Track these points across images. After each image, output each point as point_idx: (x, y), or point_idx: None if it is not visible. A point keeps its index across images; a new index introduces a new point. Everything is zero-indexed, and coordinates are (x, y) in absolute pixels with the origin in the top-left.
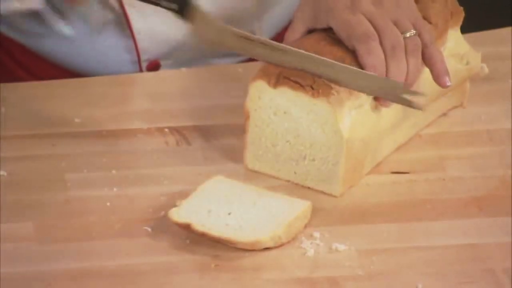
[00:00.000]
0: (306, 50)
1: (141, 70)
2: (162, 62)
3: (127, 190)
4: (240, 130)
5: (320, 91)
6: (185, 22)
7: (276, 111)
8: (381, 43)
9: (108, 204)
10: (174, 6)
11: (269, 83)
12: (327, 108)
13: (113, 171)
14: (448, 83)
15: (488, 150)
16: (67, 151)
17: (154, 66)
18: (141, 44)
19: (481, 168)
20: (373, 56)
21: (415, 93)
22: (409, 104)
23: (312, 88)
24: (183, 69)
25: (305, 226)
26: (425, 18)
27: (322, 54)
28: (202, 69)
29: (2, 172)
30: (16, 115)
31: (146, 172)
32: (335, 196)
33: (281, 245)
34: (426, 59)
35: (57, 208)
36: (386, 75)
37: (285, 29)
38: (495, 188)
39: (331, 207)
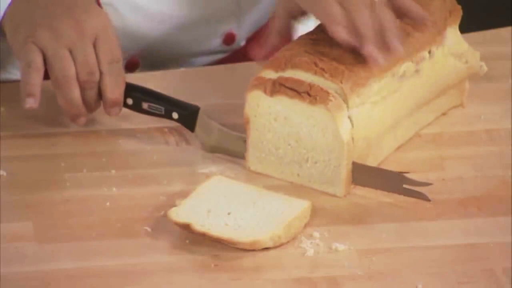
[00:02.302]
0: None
1: None
2: (141, 61)
3: (127, 190)
4: (240, 130)
5: (318, 97)
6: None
7: (276, 117)
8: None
9: (107, 204)
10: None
11: (265, 91)
12: (326, 114)
13: (113, 171)
14: (427, 17)
15: (488, 150)
16: (67, 151)
17: (132, 65)
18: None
19: (481, 168)
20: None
21: (421, 183)
22: (417, 195)
23: (309, 95)
24: (183, 69)
25: (305, 226)
26: None
27: (324, 53)
28: (202, 69)
29: (2, 172)
30: (16, 115)
31: (146, 172)
32: (337, 197)
33: (281, 245)
34: (398, 10)
35: (57, 208)
36: (354, 27)
37: (263, 28)
38: (495, 188)
39: (331, 207)
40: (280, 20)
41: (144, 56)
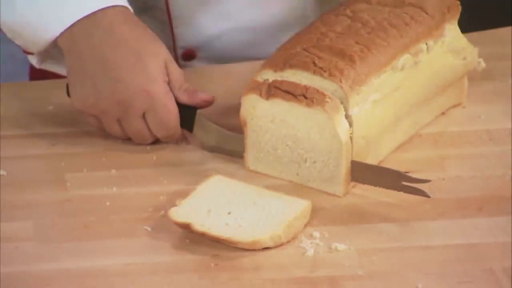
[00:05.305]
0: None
1: (176, 58)
2: (198, 53)
3: (127, 190)
4: (240, 130)
5: (314, 99)
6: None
7: (273, 120)
8: None
9: (107, 203)
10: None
11: (260, 95)
12: (324, 116)
13: (113, 171)
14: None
15: (488, 150)
16: (67, 151)
17: (189, 55)
18: (177, 30)
19: (481, 168)
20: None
21: (419, 180)
22: (416, 192)
23: (305, 97)
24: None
25: (305, 226)
26: (421, 8)
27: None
28: (202, 69)
29: (2, 172)
30: (16, 115)
31: (146, 172)
32: (337, 196)
33: (281, 244)
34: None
35: (57, 208)
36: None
37: None
38: (495, 188)
39: (331, 206)
40: None
41: (203, 48)
